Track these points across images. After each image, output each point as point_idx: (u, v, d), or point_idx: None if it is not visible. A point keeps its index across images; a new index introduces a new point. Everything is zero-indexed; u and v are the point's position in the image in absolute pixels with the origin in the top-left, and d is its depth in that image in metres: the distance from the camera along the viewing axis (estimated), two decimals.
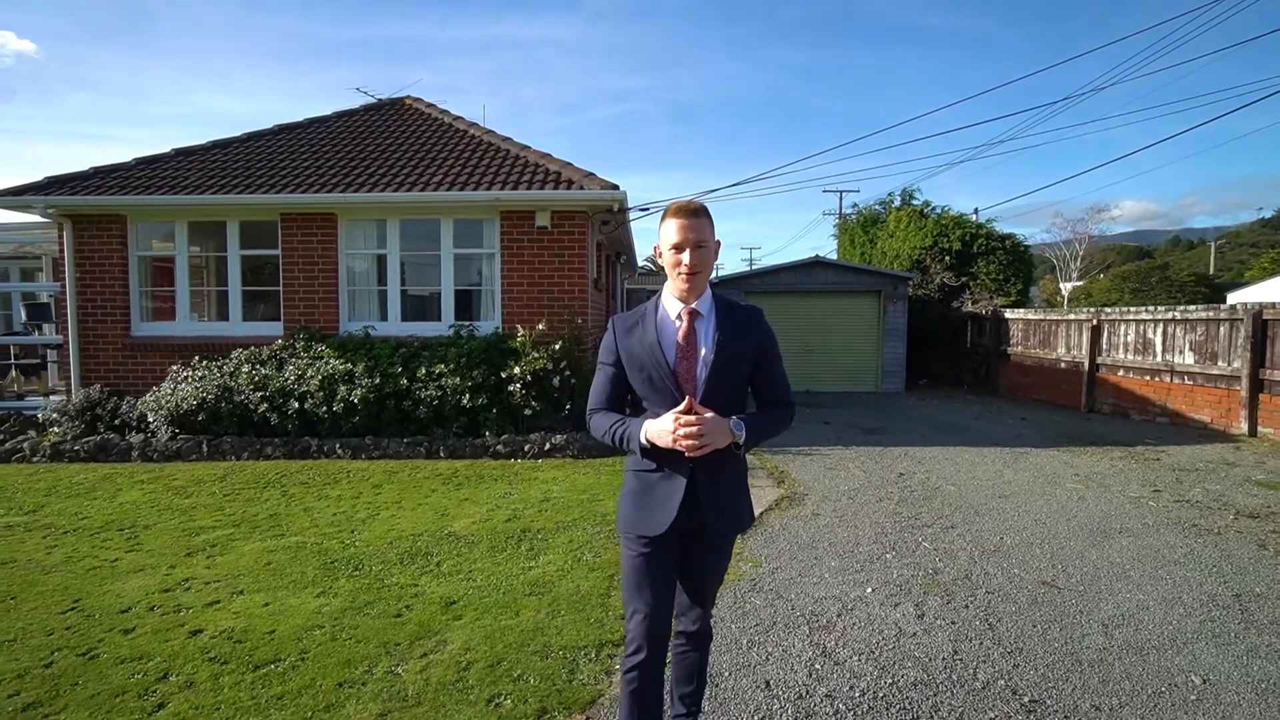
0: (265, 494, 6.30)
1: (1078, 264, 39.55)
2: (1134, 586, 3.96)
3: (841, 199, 31.34)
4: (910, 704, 2.79)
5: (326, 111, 11.35)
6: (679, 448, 1.95)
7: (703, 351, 2.08)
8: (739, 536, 3.29)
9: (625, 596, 2.17)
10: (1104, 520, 5.25)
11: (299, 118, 11.13)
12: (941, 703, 2.80)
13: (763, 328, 2.16)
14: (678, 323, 2.11)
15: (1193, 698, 2.82)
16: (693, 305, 2.09)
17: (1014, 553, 4.54)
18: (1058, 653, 3.20)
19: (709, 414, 1.97)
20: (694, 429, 1.92)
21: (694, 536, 2.15)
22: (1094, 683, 2.94)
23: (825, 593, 3.92)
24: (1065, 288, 35.43)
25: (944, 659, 3.15)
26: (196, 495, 6.29)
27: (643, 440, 2.04)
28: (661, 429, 1.98)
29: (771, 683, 2.96)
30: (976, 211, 23.73)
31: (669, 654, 2.22)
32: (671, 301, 2.13)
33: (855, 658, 3.17)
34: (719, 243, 2.15)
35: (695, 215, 2.05)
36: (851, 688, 2.91)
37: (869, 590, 3.95)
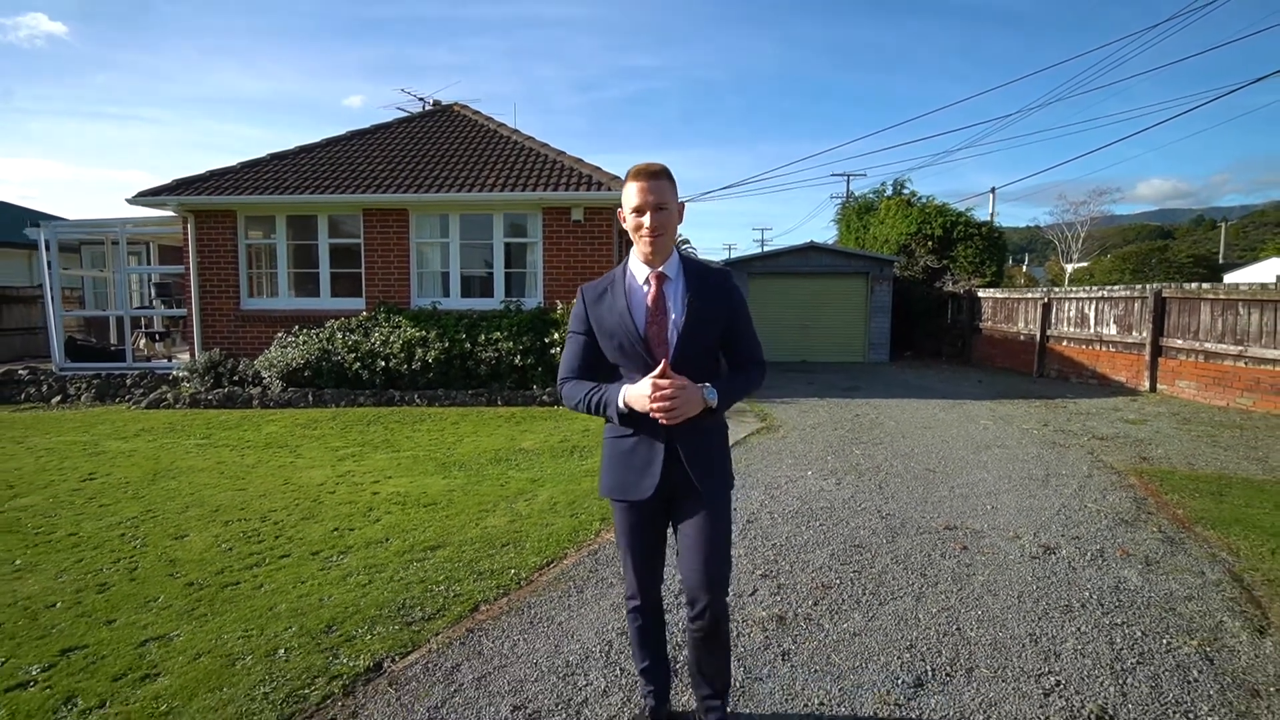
0: (371, 428, 8.36)
1: (1079, 245, 40.86)
2: (984, 472, 5.94)
3: (849, 182, 32.64)
4: (815, 516, 4.80)
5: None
6: (654, 416, 1.96)
7: (672, 315, 2.08)
8: None
9: (620, 554, 2.30)
10: (992, 440, 7.21)
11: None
12: (834, 515, 4.81)
13: (731, 289, 2.14)
14: (645, 288, 2.10)
15: (981, 513, 4.82)
16: (660, 269, 2.09)
17: (916, 456, 6.52)
18: (915, 499, 5.20)
19: (684, 380, 1.96)
20: (667, 402, 1.92)
21: (683, 499, 2.14)
22: (928, 509, 4.94)
23: (780, 474, 5.93)
24: (1068, 268, 36.91)
25: (844, 500, 5.16)
26: (320, 428, 8.36)
27: (620, 406, 2.04)
28: (640, 394, 1.97)
29: (736, 509, 4.98)
30: (994, 191, 25.28)
31: (686, 641, 2.31)
32: (639, 266, 2.12)
33: (789, 499, 5.19)
34: (683, 204, 2.13)
35: (654, 177, 2.02)
36: (783, 509, 4.94)
37: (809, 473, 5.95)
